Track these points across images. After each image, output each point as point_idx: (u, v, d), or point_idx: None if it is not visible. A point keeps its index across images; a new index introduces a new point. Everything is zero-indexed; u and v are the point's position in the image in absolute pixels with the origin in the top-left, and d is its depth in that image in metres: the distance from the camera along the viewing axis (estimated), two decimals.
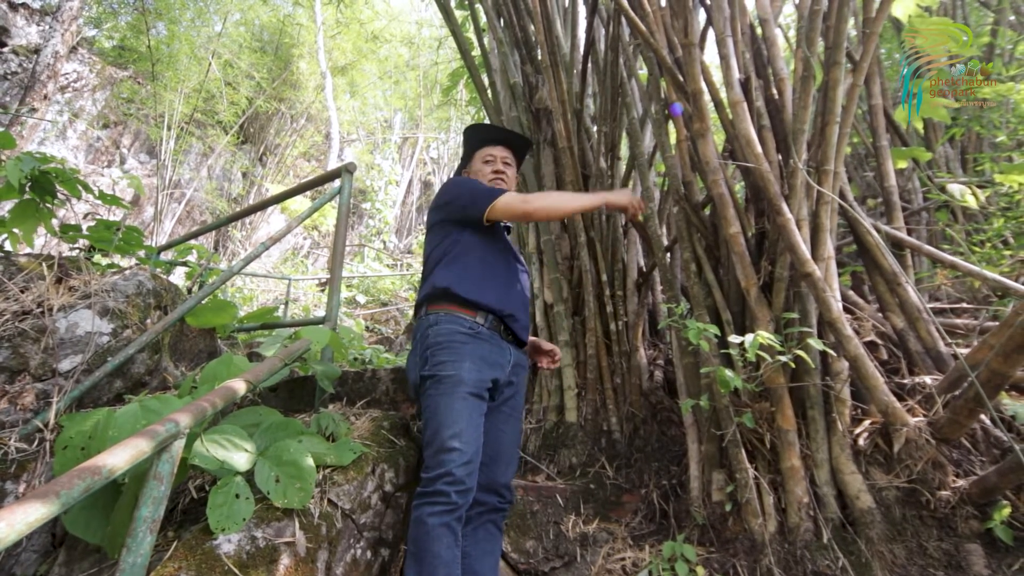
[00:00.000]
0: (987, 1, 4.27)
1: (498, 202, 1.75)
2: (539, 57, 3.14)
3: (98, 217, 2.61)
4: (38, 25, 9.36)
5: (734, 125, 2.23)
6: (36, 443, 1.75)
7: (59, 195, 2.40)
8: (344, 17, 14.00)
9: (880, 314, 2.46)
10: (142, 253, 2.73)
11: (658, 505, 2.30)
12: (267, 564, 1.41)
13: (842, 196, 2.39)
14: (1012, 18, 4.13)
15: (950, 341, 2.02)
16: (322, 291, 10.42)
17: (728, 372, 1.91)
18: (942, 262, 2.50)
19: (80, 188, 2.41)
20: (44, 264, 2.18)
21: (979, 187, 3.17)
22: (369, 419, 2.20)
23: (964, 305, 2.77)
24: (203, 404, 1.43)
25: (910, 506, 1.81)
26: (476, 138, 2.09)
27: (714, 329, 2.01)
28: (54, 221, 2.45)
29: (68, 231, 2.53)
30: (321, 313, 4.85)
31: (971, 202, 2.97)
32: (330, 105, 13.50)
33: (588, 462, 2.55)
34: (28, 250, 2.44)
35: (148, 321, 2.27)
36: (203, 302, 2.40)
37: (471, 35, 4.10)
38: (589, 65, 3.28)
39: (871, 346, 2.31)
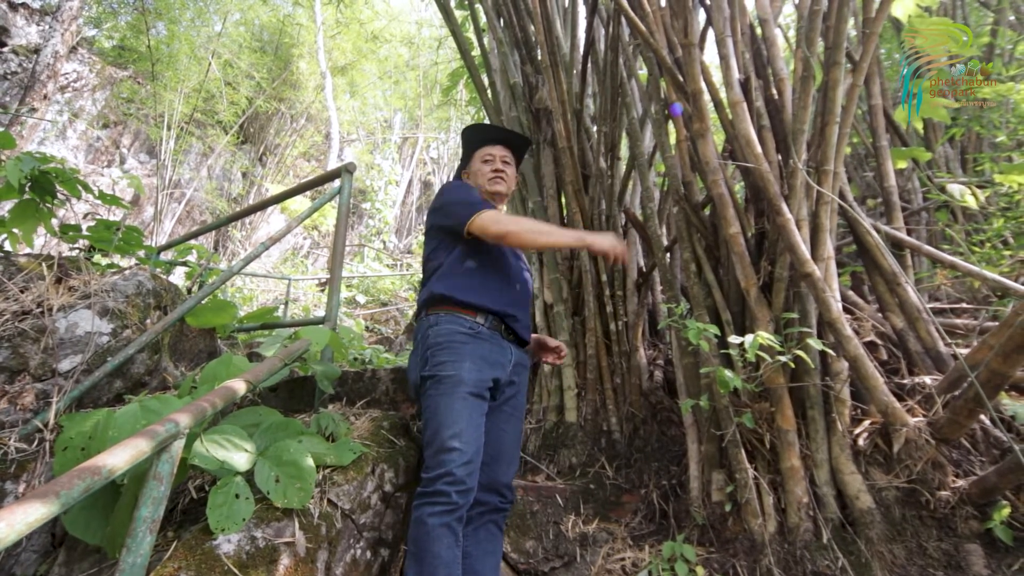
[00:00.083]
0: (987, 1, 4.27)
1: (475, 219, 1.73)
2: (539, 57, 3.14)
3: (98, 217, 2.61)
4: (38, 25, 9.36)
5: (734, 125, 2.23)
6: (36, 443, 1.75)
7: (59, 195, 2.40)
8: (344, 17, 14.01)
9: (880, 314, 2.46)
10: (142, 253, 2.73)
11: (658, 505, 2.30)
12: (267, 564, 1.41)
13: (842, 196, 2.39)
14: (1012, 18, 4.13)
15: (950, 341, 2.02)
16: (322, 291, 10.42)
17: (728, 372, 1.91)
18: (942, 262, 2.50)
19: (80, 188, 2.41)
20: (44, 264, 2.18)
21: (979, 187, 3.17)
22: (369, 419, 2.20)
23: (964, 305, 2.77)
24: (203, 404, 1.43)
25: (910, 506, 1.81)
26: (475, 138, 2.09)
27: (714, 329, 2.01)
28: (54, 221, 2.45)
29: (68, 231, 2.53)
30: (321, 313, 4.85)
31: (971, 202, 2.97)
32: (330, 105, 13.50)
33: (588, 462, 2.55)
34: (28, 250, 2.44)
35: (148, 321, 2.27)
36: (203, 302, 2.40)
37: (471, 35, 4.10)
38: (589, 65, 3.28)
39: (871, 346, 2.31)
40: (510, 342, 1.81)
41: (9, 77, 8.70)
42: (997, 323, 2.21)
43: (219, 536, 1.41)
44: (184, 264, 3.22)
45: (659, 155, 3.06)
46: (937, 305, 2.81)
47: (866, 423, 2.03)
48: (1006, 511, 1.68)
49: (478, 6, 3.74)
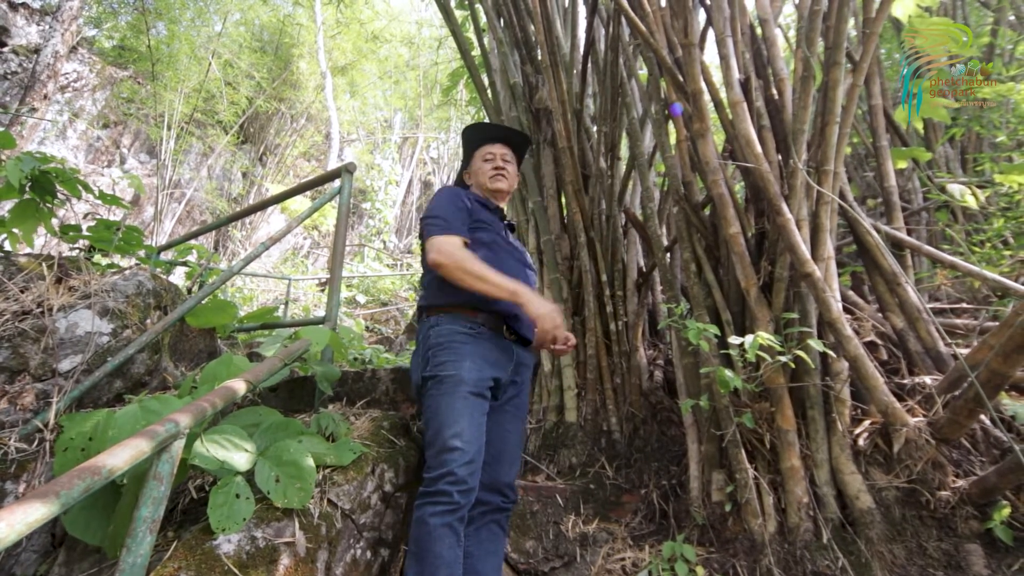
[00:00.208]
0: (987, 1, 4.27)
1: (431, 239, 1.71)
2: (539, 57, 3.14)
3: (98, 217, 2.60)
4: (38, 25, 9.36)
5: (734, 125, 2.23)
6: (36, 443, 1.75)
7: (59, 195, 2.40)
8: (344, 17, 14.01)
9: (880, 314, 2.46)
10: (142, 253, 2.73)
11: (658, 505, 2.30)
12: (267, 564, 1.41)
13: (842, 196, 2.39)
14: (1012, 18, 4.13)
15: (950, 341, 2.02)
16: (322, 291, 10.42)
17: (728, 372, 1.91)
18: (942, 262, 2.50)
19: (80, 188, 2.40)
20: (44, 264, 2.18)
21: (979, 187, 3.17)
22: (369, 419, 2.20)
23: (964, 305, 2.77)
24: (203, 404, 1.43)
25: (910, 506, 1.81)
26: (475, 137, 2.09)
27: (714, 329, 2.01)
28: (54, 221, 2.45)
29: (68, 231, 2.53)
30: (321, 313, 4.85)
31: (971, 202, 2.97)
32: (330, 105, 13.50)
33: (588, 462, 2.55)
34: (28, 250, 2.44)
35: (148, 321, 2.27)
36: (203, 302, 2.40)
37: (471, 35, 4.10)
38: (589, 65, 3.28)
39: (871, 346, 2.31)
40: (512, 342, 1.81)
41: (9, 77, 8.70)
42: (997, 323, 2.21)
43: (219, 536, 1.41)
44: (184, 264, 3.22)
45: (659, 155, 3.06)
46: (937, 305, 2.81)
47: (866, 423, 2.03)
48: (1006, 511, 1.68)
49: (478, 6, 3.74)
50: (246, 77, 12.02)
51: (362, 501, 1.79)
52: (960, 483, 1.78)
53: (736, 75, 2.31)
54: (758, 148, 2.16)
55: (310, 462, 1.62)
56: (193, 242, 4.07)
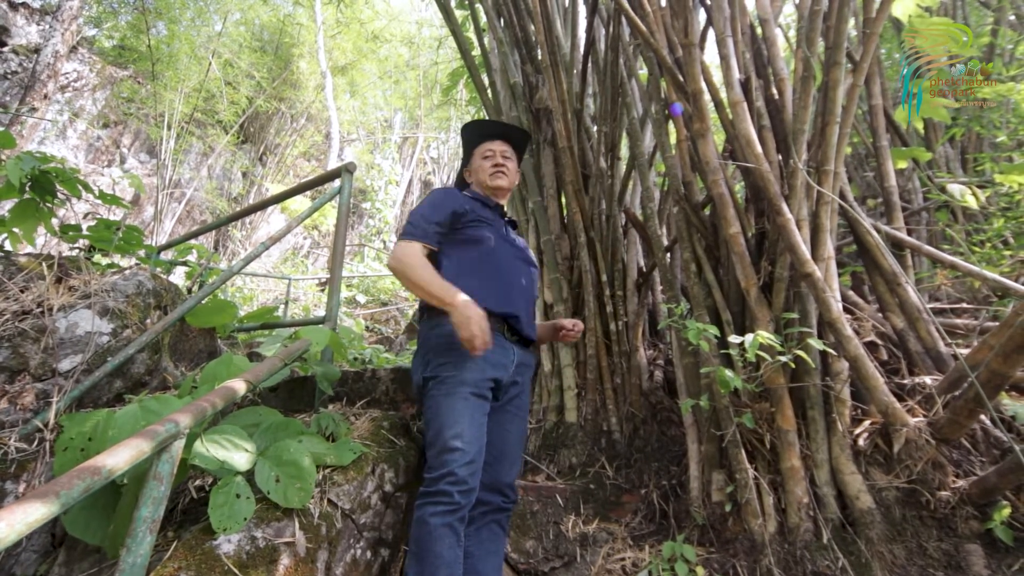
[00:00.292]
0: (987, 1, 4.27)
1: (399, 241, 1.78)
2: (539, 57, 3.14)
3: (98, 217, 2.60)
4: (38, 24, 9.36)
5: (734, 125, 2.23)
6: (36, 443, 1.75)
7: (59, 195, 2.40)
8: (344, 17, 14.01)
9: (880, 314, 2.46)
10: (142, 253, 2.73)
11: (658, 505, 2.30)
12: (267, 564, 1.41)
13: (842, 196, 2.39)
14: (1012, 18, 4.13)
15: (950, 341, 2.02)
16: (322, 291, 10.42)
17: (728, 372, 1.91)
18: (942, 262, 2.50)
19: (80, 188, 2.40)
20: (44, 264, 2.18)
21: (979, 187, 3.17)
22: (369, 419, 2.20)
23: (964, 305, 2.78)
24: (203, 404, 1.43)
25: (910, 506, 1.81)
26: (474, 135, 2.08)
27: (714, 329, 2.01)
28: (54, 221, 2.45)
29: (68, 231, 2.53)
30: (321, 313, 4.85)
31: (971, 202, 2.97)
32: (330, 105, 13.50)
33: (588, 462, 2.55)
34: (28, 250, 2.44)
35: (148, 321, 2.27)
36: (203, 302, 2.40)
37: (471, 35, 4.10)
38: (589, 65, 3.27)
39: (871, 346, 2.31)
40: (513, 343, 1.81)
41: (9, 77, 8.70)
42: (997, 323, 2.21)
43: (219, 536, 1.41)
44: (184, 264, 3.22)
45: (659, 155, 3.06)
46: (937, 305, 2.81)
47: (866, 423, 2.03)
48: (1006, 511, 1.68)
49: (478, 6, 3.74)
50: (246, 77, 12.02)
51: (362, 501, 1.79)
52: (960, 483, 1.78)
53: (736, 75, 2.31)
54: (758, 148, 2.16)
55: (310, 462, 1.62)
56: (193, 242, 4.07)
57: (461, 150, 2.18)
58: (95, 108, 10.16)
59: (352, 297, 10.06)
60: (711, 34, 2.64)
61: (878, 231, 2.46)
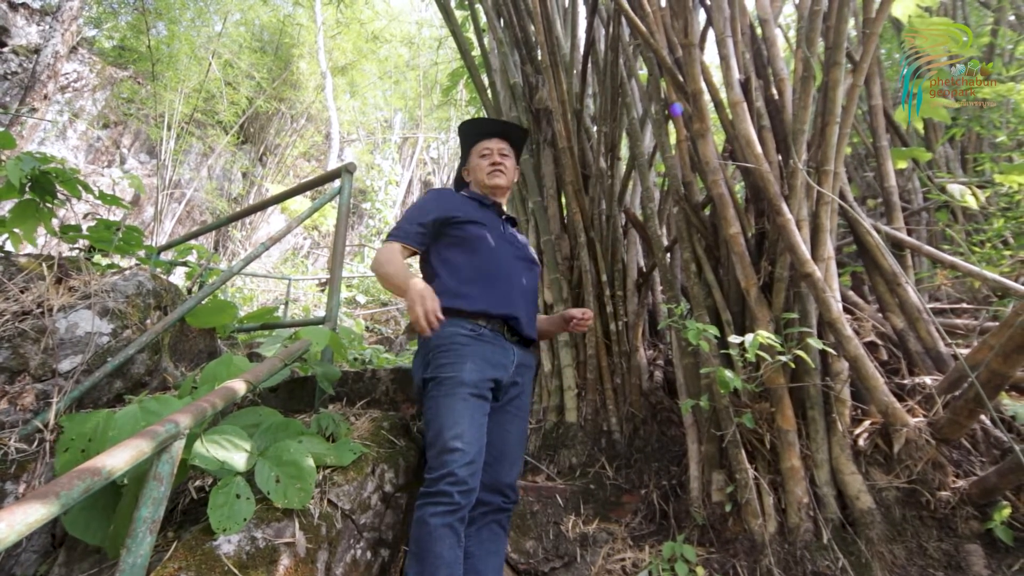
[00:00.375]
0: (987, 1, 4.27)
1: (386, 242, 1.84)
2: (539, 57, 3.14)
3: (98, 217, 2.60)
4: (38, 25, 9.36)
5: (734, 125, 2.23)
6: (36, 443, 1.75)
7: (59, 195, 2.40)
8: (344, 17, 14.01)
9: (880, 314, 2.46)
10: (142, 253, 2.73)
11: (658, 505, 2.30)
12: (267, 564, 1.41)
13: (842, 196, 2.39)
14: (1012, 18, 4.13)
15: (950, 341, 2.02)
16: (322, 291, 10.42)
17: (728, 372, 1.91)
18: (942, 262, 2.50)
19: (80, 188, 2.41)
20: (44, 264, 2.18)
21: (979, 187, 3.17)
22: (369, 419, 2.20)
23: (964, 305, 2.77)
24: (203, 404, 1.43)
25: (910, 506, 1.81)
26: (471, 133, 2.08)
27: (714, 329, 2.01)
28: (54, 221, 2.45)
29: (68, 231, 2.53)
30: (321, 313, 4.85)
31: (971, 202, 2.97)
32: (330, 105, 13.50)
33: (588, 462, 2.55)
34: (29, 250, 2.44)
35: (148, 321, 2.27)
36: (203, 302, 2.40)
37: (471, 35, 4.10)
38: (589, 65, 3.28)
39: (871, 346, 2.31)
40: (513, 343, 1.81)
41: (9, 77, 8.70)
42: (997, 323, 2.21)
43: (219, 536, 1.41)
44: (184, 264, 3.22)
45: (659, 155, 3.06)
46: (937, 305, 2.81)
47: (866, 423, 2.03)
48: (1006, 511, 1.68)
49: (478, 6, 3.74)
50: (246, 77, 12.02)
51: (362, 501, 1.79)
52: (960, 483, 1.78)
53: (736, 75, 2.31)
54: (758, 148, 2.16)
55: (310, 462, 1.62)
56: (193, 242, 4.07)
57: (460, 150, 2.18)
58: (95, 109, 10.16)
59: (352, 297, 10.06)
60: (711, 34, 2.64)
61: (878, 231, 2.46)
